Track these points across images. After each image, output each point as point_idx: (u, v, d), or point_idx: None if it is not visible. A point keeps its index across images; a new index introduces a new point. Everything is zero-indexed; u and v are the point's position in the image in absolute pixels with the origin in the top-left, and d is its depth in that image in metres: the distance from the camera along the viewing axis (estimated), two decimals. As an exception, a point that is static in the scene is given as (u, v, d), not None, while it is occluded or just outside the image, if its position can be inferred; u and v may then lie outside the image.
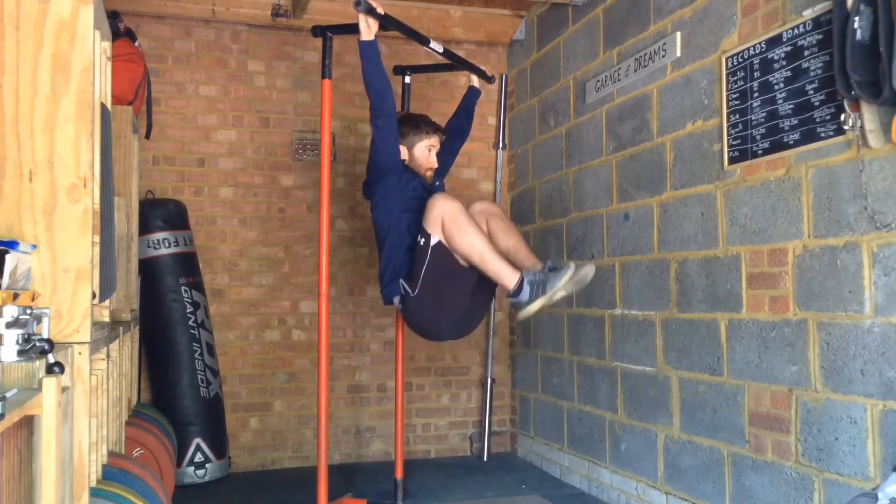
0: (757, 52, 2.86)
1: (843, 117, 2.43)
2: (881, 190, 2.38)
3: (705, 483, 3.14)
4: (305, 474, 4.22)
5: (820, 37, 2.57)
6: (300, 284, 4.68)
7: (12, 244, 1.67)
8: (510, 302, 3.14)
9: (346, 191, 4.79)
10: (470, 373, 4.96)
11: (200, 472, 4.11)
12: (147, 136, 4.15)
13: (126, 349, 3.25)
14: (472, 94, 3.89)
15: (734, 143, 2.98)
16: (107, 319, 2.26)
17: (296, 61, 4.73)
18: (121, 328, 2.91)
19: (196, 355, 4.17)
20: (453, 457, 4.86)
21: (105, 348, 2.39)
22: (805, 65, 2.64)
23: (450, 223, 3.05)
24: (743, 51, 2.94)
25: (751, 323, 2.90)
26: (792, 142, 2.69)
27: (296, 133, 4.71)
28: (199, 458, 4.11)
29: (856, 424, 2.46)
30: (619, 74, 3.79)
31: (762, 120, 2.83)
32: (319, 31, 3.37)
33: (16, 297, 1.56)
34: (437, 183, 3.55)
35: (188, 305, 4.18)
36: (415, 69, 4.13)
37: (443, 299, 3.20)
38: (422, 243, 3.11)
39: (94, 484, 2.19)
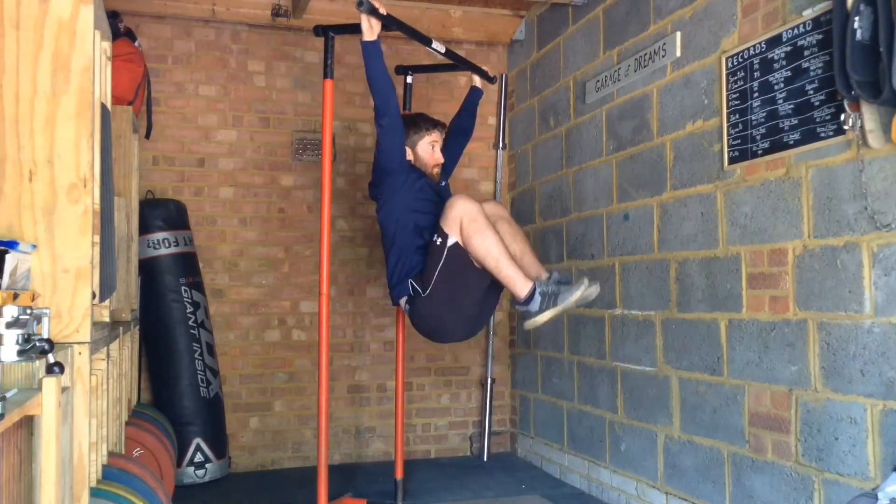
0: (757, 52, 2.86)
1: (843, 117, 2.43)
2: (881, 190, 2.38)
3: (705, 483, 3.14)
4: (305, 474, 4.22)
5: (820, 37, 2.57)
6: (300, 284, 4.68)
7: (12, 244, 1.67)
8: (519, 310, 3.14)
9: (347, 191, 4.79)
10: (470, 373, 4.96)
11: (200, 472, 4.11)
12: (147, 136, 4.15)
13: (126, 349, 3.26)
14: (474, 95, 3.89)
15: (734, 143, 2.98)
16: (107, 319, 2.26)
17: (296, 61, 4.73)
18: (121, 328, 2.91)
19: (196, 355, 4.17)
20: (453, 457, 4.86)
21: (105, 348, 2.39)
22: (805, 65, 2.64)
23: (468, 225, 3.02)
24: (743, 51, 2.94)
25: (751, 323, 2.90)
26: (792, 142, 2.69)
27: (296, 133, 4.71)
28: (199, 458, 4.11)
29: (856, 424, 2.46)
30: (619, 74, 3.79)
31: (762, 120, 2.83)
32: (322, 30, 3.37)
33: (16, 297, 1.56)
34: (444, 183, 3.55)
35: (188, 305, 4.18)
36: (416, 69, 4.13)
37: (455, 300, 3.19)
38: (438, 243, 3.09)
39: (94, 484, 2.19)
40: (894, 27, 2.18)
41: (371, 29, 3.13)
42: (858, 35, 2.26)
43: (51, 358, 1.49)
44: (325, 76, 3.32)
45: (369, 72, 3.18)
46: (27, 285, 1.75)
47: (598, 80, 3.97)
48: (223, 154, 4.60)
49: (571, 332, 4.23)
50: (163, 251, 4.16)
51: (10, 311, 1.44)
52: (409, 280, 3.22)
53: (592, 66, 4.06)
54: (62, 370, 1.49)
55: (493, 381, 4.92)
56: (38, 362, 1.46)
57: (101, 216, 2.01)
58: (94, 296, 1.86)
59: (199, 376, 4.16)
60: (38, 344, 1.48)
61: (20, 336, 1.45)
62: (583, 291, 2.98)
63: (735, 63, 2.98)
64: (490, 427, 4.88)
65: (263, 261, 4.64)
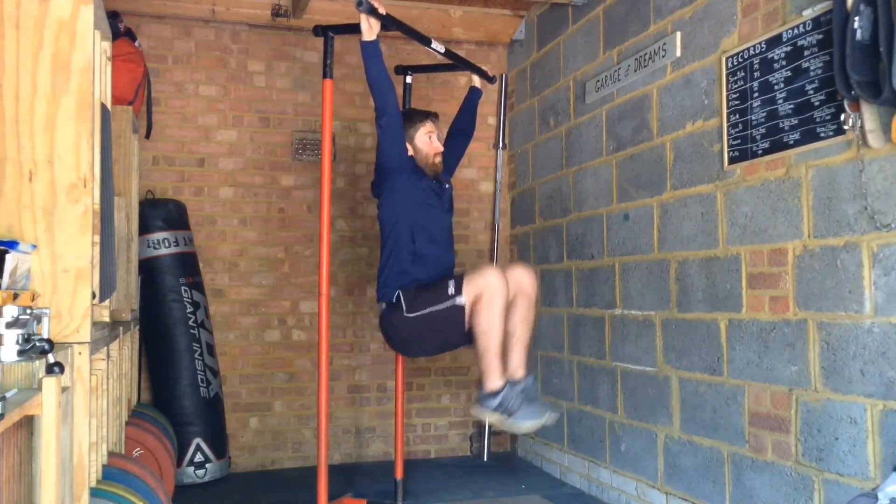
0: (757, 52, 2.86)
1: (843, 117, 2.43)
2: (881, 190, 2.38)
3: (705, 483, 3.14)
4: (305, 474, 4.22)
5: (820, 37, 2.57)
6: (300, 284, 4.68)
7: (12, 244, 1.67)
8: (478, 392, 3.16)
9: (346, 191, 4.79)
10: (470, 373, 4.96)
11: (200, 472, 4.11)
12: (147, 136, 4.15)
13: (126, 349, 3.25)
14: (473, 95, 3.89)
15: (734, 143, 2.98)
16: (107, 319, 2.26)
17: (296, 61, 4.73)
18: (121, 328, 2.91)
19: (196, 355, 4.17)
20: (453, 457, 4.86)
21: (105, 348, 2.39)
22: (805, 65, 2.64)
23: (486, 300, 2.98)
24: (743, 51, 2.94)
25: (751, 323, 2.90)
26: (792, 142, 2.69)
27: (296, 133, 4.71)
28: (199, 458, 4.11)
29: (856, 424, 2.46)
30: (619, 74, 3.79)
31: (762, 120, 2.83)
32: (321, 30, 3.37)
33: (16, 297, 1.56)
34: (447, 185, 3.56)
35: (188, 305, 4.18)
36: (416, 69, 4.13)
37: (427, 338, 3.23)
38: (449, 292, 3.05)
39: (94, 484, 2.19)
40: (894, 27, 2.18)
41: (370, 29, 3.13)
42: (858, 35, 2.26)
43: (51, 358, 1.49)
44: (325, 76, 3.32)
45: (368, 72, 3.19)
46: (27, 285, 1.75)
47: (598, 80, 3.97)
48: (223, 154, 4.60)
49: (571, 332, 4.23)
50: (163, 251, 4.16)
51: (10, 311, 1.44)
52: (399, 290, 3.22)
53: (592, 66, 4.06)
54: (62, 370, 1.49)
55: (493, 381, 4.91)
56: (38, 362, 1.46)
57: (101, 216, 2.01)
58: (94, 296, 1.86)
59: (199, 376, 4.16)
60: (38, 344, 1.48)
61: (20, 336, 1.45)
62: (537, 423, 3.05)
63: (735, 63, 2.98)
64: (490, 427, 4.88)
65: (263, 261, 4.64)
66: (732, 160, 2.99)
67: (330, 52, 3.33)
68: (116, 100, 3.16)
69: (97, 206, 1.91)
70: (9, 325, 1.43)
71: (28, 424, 1.47)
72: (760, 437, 2.85)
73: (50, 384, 1.42)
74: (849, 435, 2.48)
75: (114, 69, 2.58)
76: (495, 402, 3.03)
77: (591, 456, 4.00)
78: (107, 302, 2.20)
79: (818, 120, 2.58)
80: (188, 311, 4.18)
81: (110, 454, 2.59)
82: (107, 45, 2.28)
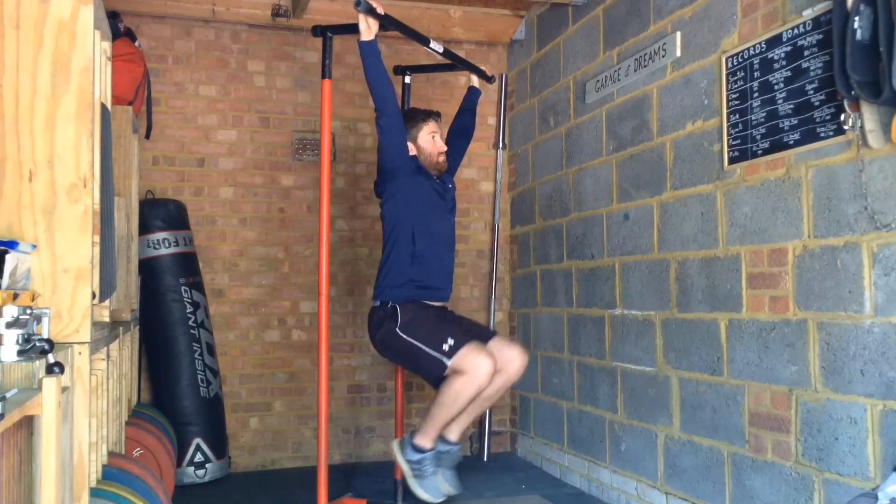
0: (757, 52, 2.86)
1: (843, 117, 2.43)
2: (881, 190, 2.38)
3: (705, 483, 3.14)
4: (305, 474, 4.21)
5: (820, 37, 2.57)
6: (300, 284, 4.68)
7: (12, 244, 1.67)
8: (408, 438, 3.28)
9: (346, 191, 4.79)
10: (470, 373, 4.95)
11: (200, 472, 4.11)
12: (147, 136, 4.15)
13: (126, 349, 3.25)
14: (472, 94, 3.89)
15: (734, 143, 2.98)
16: (107, 319, 2.26)
17: (296, 61, 4.73)
18: (121, 328, 2.91)
19: (196, 355, 4.17)
20: (453, 457, 4.86)
21: (105, 348, 2.39)
22: (805, 65, 2.64)
23: (465, 381, 3.04)
24: (743, 51, 2.93)
25: (751, 323, 2.90)
26: (792, 142, 2.69)
27: (296, 133, 4.71)
28: (199, 458, 4.11)
29: (856, 424, 2.46)
30: (619, 74, 3.79)
31: (762, 120, 2.83)
32: (320, 30, 3.37)
33: (16, 297, 1.56)
34: (451, 185, 3.56)
35: (188, 305, 4.18)
36: (415, 69, 4.13)
37: (404, 358, 3.29)
38: (443, 347, 3.08)
39: (94, 484, 2.19)
40: (894, 27, 2.18)
41: (369, 29, 3.13)
42: (858, 35, 2.26)
43: (51, 358, 1.49)
44: (324, 76, 3.32)
45: (367, 72, 3.19)
46: (27, 285, 1.75)
47: (598, 80, 3.97)
48: (223, 154, 4.60)
49: (571, 332, 4.23)
50: (163, 251, 4.16)
51: (10, 311, 1.44)
52: (397, 305, 3.25)
53: (592, 66, 4.06)
54: (62, 370, 1.49)
55: (493, 381, 4.91)
56: (38, 362, 1.46)
57: (101, 216, 2.01)
58: (94, 296, 1.86)
59: (199, 376, 4.16)
60: (38, 344, 1.48)
61: (20, 336, 1.45)
62: (432, 501, 3.18)
63: (735, 63, 2.98)
64: (490, 427, 4.88)
65: (263, 261, 4.64)
66: (732, 160, 2.99)
67: (329, 52, 3.32)
68: (116, 100, 3.16)
69: (97, 206, 1.91)
70: (9, 325, 1.43)
71: (28, 424, 1.46)
72: (760, 437, 2.85)
73: (50, 384, 1.42)
74: (849, 435, 2.48)
75: (114, 69, 2.58)
76: (415, 457, 3.20)
77: (591, 456, 4.00)
78: (107, 302, 2.20)
79: (818, 120, 2.58)
80: (188, 311, 4.18)
81: (110, 454, 2.59)
82: (107, 45, 2.28)
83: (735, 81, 2.98)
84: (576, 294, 4.18)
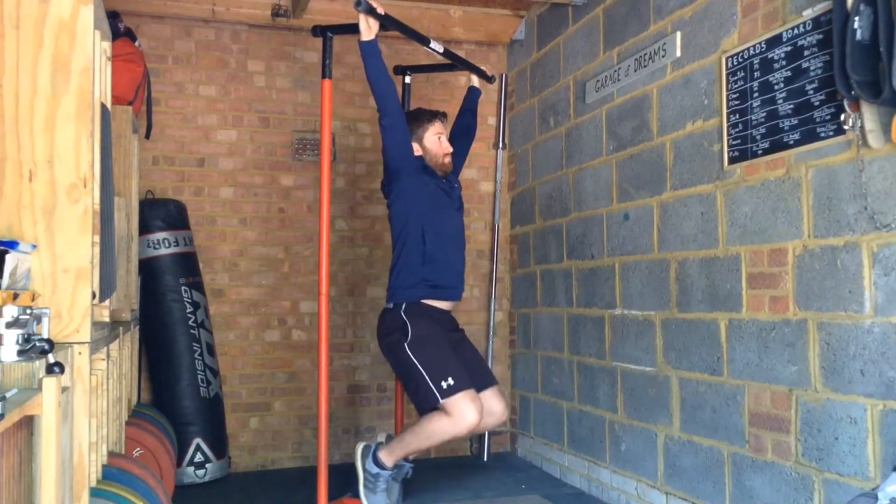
0: (757, 52, 2.86)
1: (843, 117, 2.43)
2: (881, 190, 2.38)
3: (705, 483, 3.14)
4: (305, 474, 4.22)
5: (820, 37, 2.57)
6: (300, 284, 4.68)
7: (12, 244, 1.67)
8: (373, 448, 3.38)
9: (346, 191, 4.79)
10: (470, 373, 4.96)
11: (200, 472, 4.11)
12: (147, 136, 4.15)
13: (126, 349, 3.25)
14: (473, 94, 3.90)
15: (734, 143, 2.98)
16: (107, 319, 2.26)
17: (296, 61, 4.73)
18: (121, 328, 2.91)
19: (196, 355, 4.17)
20: (453, 457, 4.86)
21: (105, 348, 2.39)
22: (805, 65, 2.64)
23: (447, 424, 3.14)
24: (743, 51, 2.94)
25: (751, 323, 2.90)
26: (792, 142, 2.69)
27: (296, 133, 4.71)
28: (199, 458, 4.11)
29: (856, 424, 2.46)
30: (619, 74, 3.79)
31: (762, 120, 2.83)
32: (320, 30, 3.37)
33: (16, 297, 1.56)
34: (456, 185, 3.57)
35: (188, 305, 4.18)
36: (415, 69, 4.13)
37: (403, 370, 3.32)
38: (442, 384, 3.14)
39: (94, 484, 2.19)
40: (894, 27, 2.18)
41: (369, 29, 3.13)
42: (858, 35, 2.26)
43: (51, 358, 1.49)
44: (324, 76, 3.32)
45: (368, 72, 3.19)
46: (27, 285, 1.75)
47: (598, 80, 3.97)
48: (223, 154, 4.60)
49: (571, 332, 4.23)
50: (163, 251, 4.16)
51: (10, 311, 1.44)
52: (409, 319, 3.28)
53: (592, 66, 4.06)
54: (62, 370, 1.49)
55: (493, 381, 4.91)
56: (38, 362, 1.46)
57: (101, 216, 2.01)
58: (94, 296, 1.86)
59: (199, 376, 4.15)
60: (38, 344, 1.48)
61: (20, 336, 1.45)
62: None
63: (735, 63, 2.98)
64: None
65: (263, 261, 4.64)
66: (732, 160, 2.99)
67: (329, 52, 3.33)
68: (116, 100, 3.16)
69: (97, 206, 1.91)
70: (9, 325, 1.43)
71: (28, 424, 1.47)
72: (760, 437, 2.85)
73: (50, 384, 1.42)
74: (849, 435, 2.48)
75: (114, 69, 2.58)
76: (373, 469, 3.31)
77: (591, 456, 4.00)
78: (107, 302, 2.20)
79: (818, 120, 2.58)
80: (188, 311, 4.18)
81: (110, 454, 2.59)
82: (107, 45, 2.28)
83: (735, 81, 2.98)
84: (576, 294, 4.18)
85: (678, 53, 3.34)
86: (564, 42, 4.37)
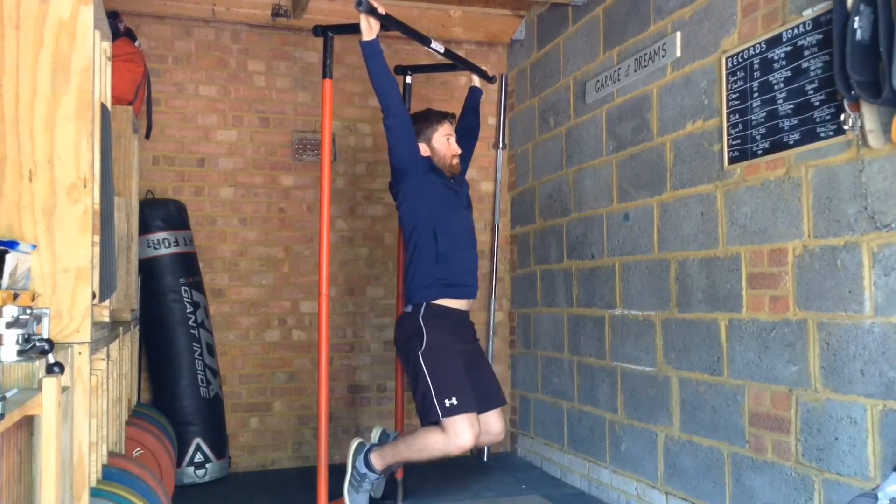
0: (757, 52, 2.86)
1: (843, 117, 2.43)
2: (881, 190, 2.38)
3: (705, 483, 3.14)
4: (305, 474, 4.22)
5: (820, 37, 2.57)
6: (300, 284, 4.68)
7: (12, 244, 1.67)
8: (368, 448, 3.40)
9: (346, 191, 4.79)
10: (470, 373, 4.96)
11: (200, 472, 4.11)
12: (147, 136, 4.15)
13: (126, 349, 3.26)
14: (474, 94, 3.90)
15: (734, 143, 2.98)
16: (107, 319, 2.26)
17: (296, 61, 4.73)
18: (121, 328, 2.91)
19: (196, 355, 4.17)
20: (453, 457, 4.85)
21: (105, 348, 2.39)
22: (805, 65, 2.64)
23: (443, 441, 3.15)
24: (743, 51, 2.94)
25: (751, 323, 2.90)
26: (792, 142, 2.69)
27: (296, 133, 4.71)
28: (199, 458, 4.11)
29: (856, 424, 2.46)
30: (619, 74, 3.79)
31: (762, 120, 2.83)
32: (321, 30, 3.37)
33: (16, 297, 1.56)
34: (464, 184, 3.58)
35: (188, 305, 4.18)
36: (415, 69, 4.13)
37: (412, 375, 3.31)
38: (446, 403, 3.15)
39: (94, 484, 2.19)
40: (894, 27, 2.18)
41: (370, 29, 3.13)
42: (858, 35, 2.26)
43: (51, 358, 1.49)
44: (324, 76, 3.32)
45: (371, 72, 3.19)
46: (27, 285, 1.75)
47: (598, 80, 3.97)
48: (223, 154, 4.60)
49: (571, 332, 4.23)
50: (163, 251, 4.16)
51: (10, 311, 1.44)
52: (426, 327, 3.27)
53: (592, 66, 4.06)
54: (62, 370, 1.49)
55: (493, 381, 4.91)
56: (38, 362, 1.46)
57: (101, 216, 2.01)
58: (94, 296, 1.86)
59: (199, 376, 4.16)
60: (38, 344, 1.48)
61: (20, 336, 1.45)
62: None
63: (735, 63, 2.98)
64: (490, 427, 4.87)
65: (263, 261, 4.64)
66: (732, 160, 2.99)
67: (329, 52, 3.32)
68: (116, 100, 3.16)
69: (97, 206, 1.91)
70: (9, 325, 1.43)
71: (28, 424, 1.47)
72: (760, 437, 2.85)
73: (50, 384, 1.42)
74: (849, 435, 2.48)
75: (114, 69, 2.58)
76: (363, 469, 3.33)
77: (591, 456, 3.99)
78: (107, 302, 2.20)
79: (818, 120, 2.58)
80: (188, 311, 4.18)
81: (110, 454, 2.59)
82: (107, 45, 2.28)
83: (735, 81, 2.98)
84: (576, 294, 4.18)
85: (678, 53, 3.34)
86: (564, 42, 4.37)
